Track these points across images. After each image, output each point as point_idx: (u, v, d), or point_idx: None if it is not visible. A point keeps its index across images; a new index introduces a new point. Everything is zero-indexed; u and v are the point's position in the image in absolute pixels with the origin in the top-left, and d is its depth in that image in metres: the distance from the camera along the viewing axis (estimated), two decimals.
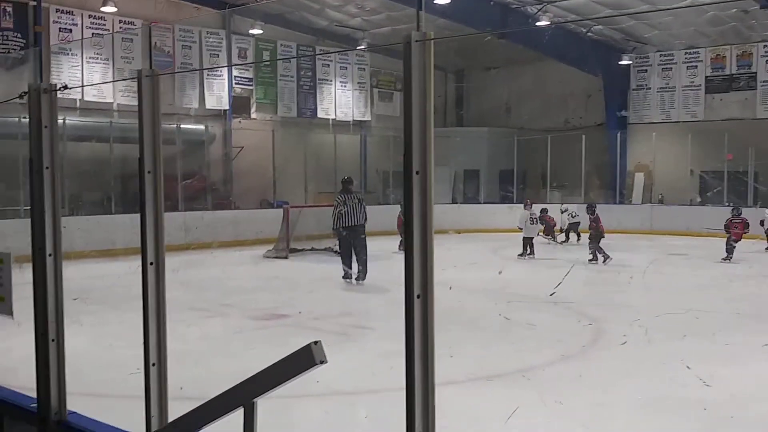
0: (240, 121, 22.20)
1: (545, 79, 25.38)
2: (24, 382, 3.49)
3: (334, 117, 24.77)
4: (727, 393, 6.66)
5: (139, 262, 2.75)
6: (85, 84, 18.53)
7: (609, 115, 25.18)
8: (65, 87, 3.18)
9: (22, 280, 3.32)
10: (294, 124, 23.41)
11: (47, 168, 3.03)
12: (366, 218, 12.75)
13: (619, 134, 24.55)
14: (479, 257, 16.88)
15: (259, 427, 2.21)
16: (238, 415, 2.23)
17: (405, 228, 2.03)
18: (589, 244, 15.62)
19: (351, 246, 12.67)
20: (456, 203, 23.73)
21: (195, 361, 7.00)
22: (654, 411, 6.20)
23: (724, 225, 16.11)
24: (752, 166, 21.96)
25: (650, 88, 24.94)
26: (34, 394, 3.18)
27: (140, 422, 2.71)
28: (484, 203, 24.66)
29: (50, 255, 3.03)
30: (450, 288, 9.43)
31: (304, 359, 2.02)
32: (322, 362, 2.01)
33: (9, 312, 3.37)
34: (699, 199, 23.11)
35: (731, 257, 15.43)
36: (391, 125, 25.14)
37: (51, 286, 3.03)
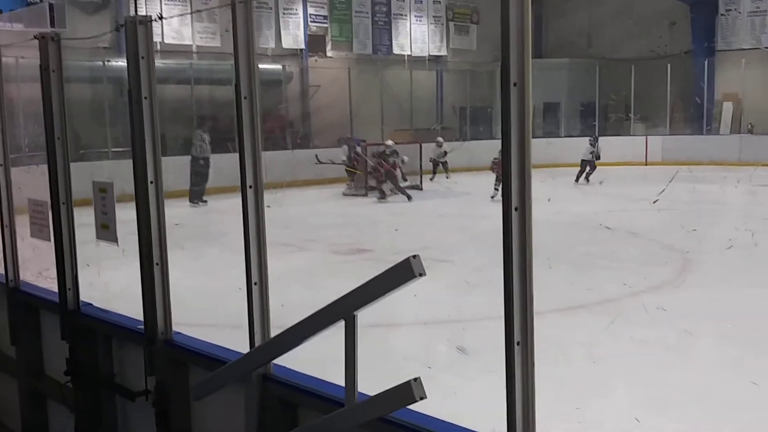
0: (316, 60, 22.22)
1: (627, 4, 24.38)
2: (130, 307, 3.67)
3: (409, 53, 24.51)
4: None
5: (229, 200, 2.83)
6: (176, 15, 18.58)
7: (695, 41, 24.09)
8: (160, 17, 3.24)
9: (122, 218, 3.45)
10: (370, 61, 23.28)
11: (146, 98, 3.12)
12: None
13: (706, 62, 23.53)
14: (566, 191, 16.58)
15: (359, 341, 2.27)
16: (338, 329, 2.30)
17: (502, 141, 2.00)
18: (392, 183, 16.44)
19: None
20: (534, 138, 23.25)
21: (281, 289, 7.17)
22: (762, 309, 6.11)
23: None
24: None
25: (740, 12, 23.70)
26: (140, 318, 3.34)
27: (244, 341, 2.83)
28: (565, 137, 24.09)
29: (152, 182, 3.15)
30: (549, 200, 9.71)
31: (404, 272, 2.06)
32: (421, 275, 2.04)
33: (114, 239, 3.53)
34: None
35: None
36: (468, 59, 24.73)
37: (154, 212, 3.15)
